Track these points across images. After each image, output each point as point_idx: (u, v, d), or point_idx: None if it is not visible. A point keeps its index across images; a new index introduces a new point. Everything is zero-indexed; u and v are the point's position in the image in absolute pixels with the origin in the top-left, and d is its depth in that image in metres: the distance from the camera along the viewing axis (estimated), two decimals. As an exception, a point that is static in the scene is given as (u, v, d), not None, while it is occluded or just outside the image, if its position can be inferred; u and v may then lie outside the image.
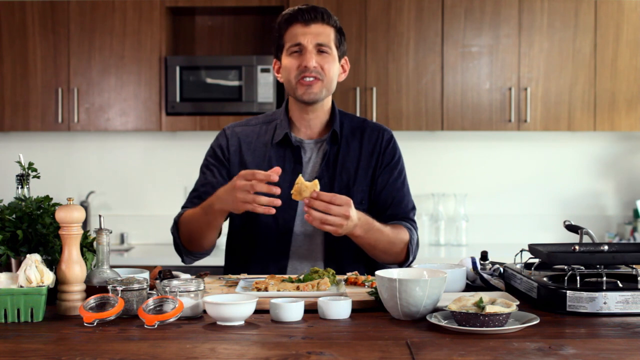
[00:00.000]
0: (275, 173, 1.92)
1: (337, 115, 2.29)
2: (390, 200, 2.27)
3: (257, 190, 1.92)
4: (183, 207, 2.29)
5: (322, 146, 2.27)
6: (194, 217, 2.16)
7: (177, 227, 2.24)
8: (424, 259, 4.04)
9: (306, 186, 1.93)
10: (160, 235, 4.50)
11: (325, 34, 2.20)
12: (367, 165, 2.27)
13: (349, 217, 1.95)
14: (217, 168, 2.28)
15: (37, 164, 1.94)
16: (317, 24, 2.19)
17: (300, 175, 1.96)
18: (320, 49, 2.19)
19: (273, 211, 1.93)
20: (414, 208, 2.32)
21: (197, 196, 2.26)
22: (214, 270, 2.32)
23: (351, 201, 1.96)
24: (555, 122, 4.23)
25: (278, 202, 1.93)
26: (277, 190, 1.91)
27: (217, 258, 2.80)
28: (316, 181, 1.94)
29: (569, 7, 4.21)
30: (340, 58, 2.26)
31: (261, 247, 2.24)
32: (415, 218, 4.60)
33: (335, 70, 2.23)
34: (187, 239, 2.21)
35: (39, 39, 4.25)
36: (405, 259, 2.23)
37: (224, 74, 4.24)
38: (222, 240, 2.38)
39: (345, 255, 2.24)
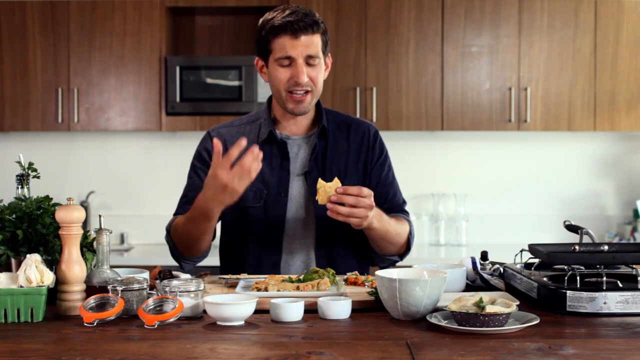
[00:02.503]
0: (239, 147, 1.92)
1: (323, 111, 2.31)
2: (385, 195, 2.30)
3: (247, 166, 1.92)
4: (175, 214, 2.30)
5: (309, 141, 2.29)
6: (187, 224, 2.15)
7: (171, 236, 2.24)
8: (424, 259, 4.04)
9: (330, 187, 1.95)
10: (160, 235, 4.43)
11: (314, 44, 2.17)
12: (356, 159, 2.29)
13: (373, 207, 2.00)
14: (204, 171, 2.28)
15: (37, 164, 1.94)
16: (306, 34, 2.15)
17: (320, 179, 1.98)
18: (309, 62, 2.17)
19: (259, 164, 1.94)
20: (404, 201, 2.37)
21: (187, 202, 2.27)
22: (214, 270, 2.33)
23: (372, 193, 1.99)
24: (555, 122, 4.23)
25: (255, 147, 1.93)
26: (244, 142, 1.92)
27: (216, 258, 2.79)
28: (336, 179, 1.97)
29: (569, 7, 4.21)
30: (325, 59, 2.24)
31: (254, 244, 2.25)
32: (415, 218, 4.61)
33: (323, 74, 2.23)
34: (185, 246, 2.22)
35: (39, 39, 4.25)
36: (405, 250, 2.27)
37: (224, 74, 4.24)
38: (217, 242, 2.38)
39: (336, 248, 2.26)
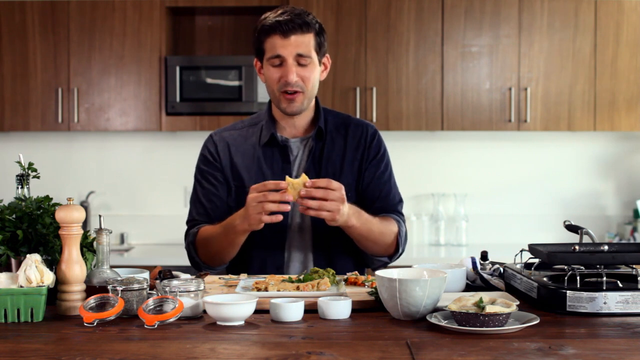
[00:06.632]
0: (276, 185, 1.97)
1: (321, 112, 2.31)
2: (377, 193, 2.29)
3: (270, 200, 1.96)
4: (190, 221, 2.30)
5: (307, 143, 2.29)
6: (215, 236, 2.17)
7: (195, 246, 2.24)
8: (424, 259, 4.04)
9: (297, 183, 1.95)
10: (160, 235, 4.50)
11: (305, 43, 2.17)
12: (352, 159, 2.29)
13: (344, 200, 1.99)
14: (212, 174, 2.29)
15: (37, 164, 1.94)
16: (296, 34, 2.15)
17: (287, 177, 1.98)
18: (300, 61, 2.17)
19: (280, 218, 1.98)
20: (401, 201, 2.34)
21: (202, 206, 2.28)
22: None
23: (343, 186, 2.00)
24: (555, 122, 4.23)
25: (287, 207, 1.97)
26: (289, 198, 1.96)
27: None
28: (304, 175, 1.98)
29: (569, 7, 4.21)
30: (321, 59, 2.24)
31: (258, 248, 2.25)
32: (415, 218, 4.59)
33: (317, 75, 2.22)
34: (209, 257, 2.23)
35: (39, 39, 4.25)
36: (395, 251, 2.26)
37: (224, 74, 4.24)
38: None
39: (334, 249, 2.26)
